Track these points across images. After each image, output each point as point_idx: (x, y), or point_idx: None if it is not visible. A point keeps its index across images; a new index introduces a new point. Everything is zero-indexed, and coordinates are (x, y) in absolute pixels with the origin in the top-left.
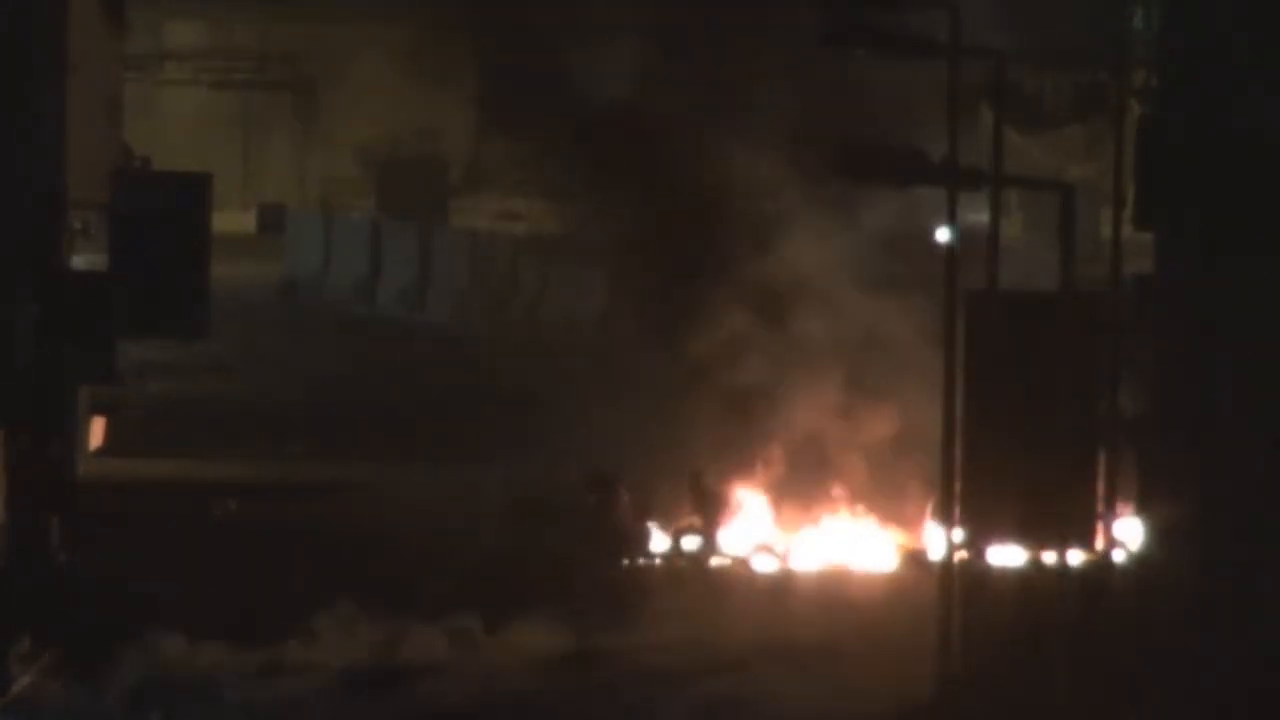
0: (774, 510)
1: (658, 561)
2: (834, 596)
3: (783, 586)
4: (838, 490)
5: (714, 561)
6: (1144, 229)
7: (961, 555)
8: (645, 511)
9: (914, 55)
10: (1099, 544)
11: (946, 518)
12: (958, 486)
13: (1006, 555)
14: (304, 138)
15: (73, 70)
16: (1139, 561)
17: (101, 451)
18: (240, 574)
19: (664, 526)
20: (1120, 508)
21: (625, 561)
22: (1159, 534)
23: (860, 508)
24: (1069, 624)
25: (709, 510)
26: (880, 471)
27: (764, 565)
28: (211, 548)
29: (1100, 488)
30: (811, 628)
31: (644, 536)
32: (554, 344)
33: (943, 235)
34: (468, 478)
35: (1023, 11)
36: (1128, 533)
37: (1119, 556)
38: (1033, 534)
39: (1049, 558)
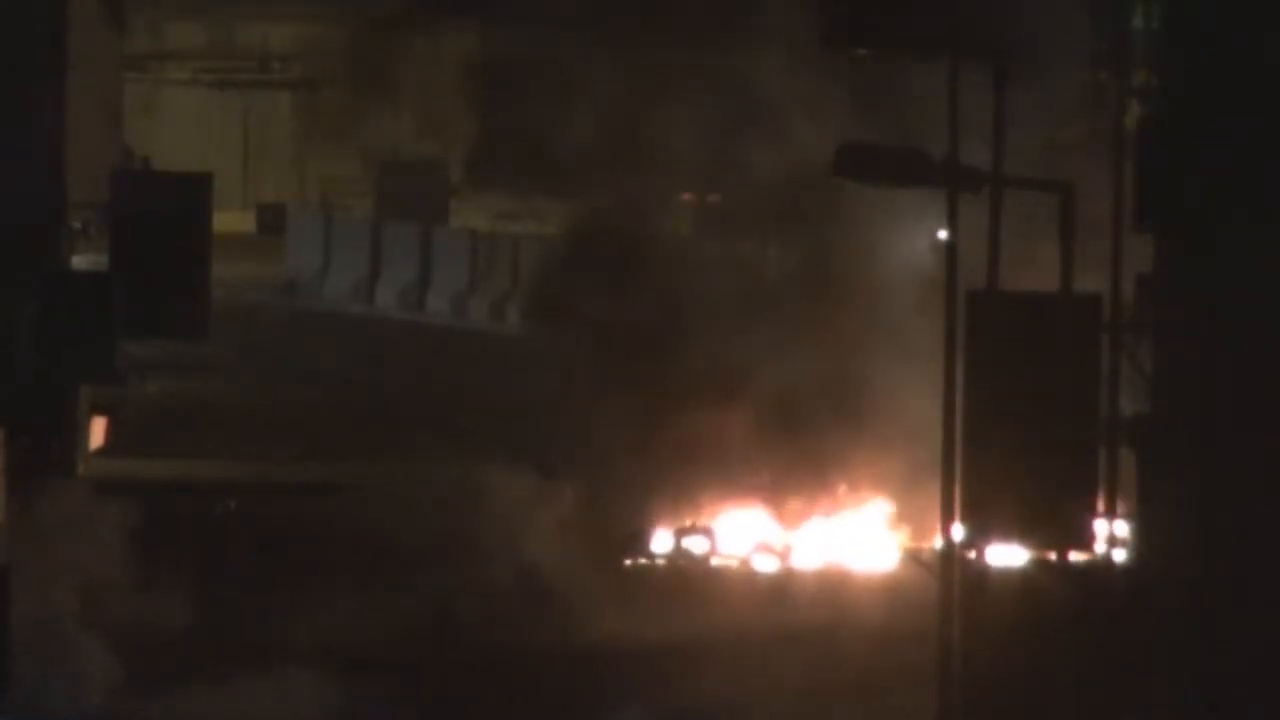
0: (773, 510)
1: (659, 561)
2: (834, 595)
3: (783, 585)
4: (839, 489)
5: (714, 561)
6: (1144, 229)
7: (963, 555)
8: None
9: (914, 55)
10: (1099, 544)
11: (947, 517)
12: (958, 486)
13: (1007, 555)
14: (304, 138)
15: (73, 70)
16: (1139, 561)
17: (101, 451)
18: (239, 572)
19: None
20: (1120, 508)
21: (628, 561)
22: (1159, 534)
23: (861, 507)
24: (1069, 624)
25: None
26: (880, 471)
27: (764, 565)
28: (210, 547)
29: (1100, 488)
30: (812, 627)
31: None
32: (552, 344)
33: (943, 235)
34: (465, 477)
35: (1022, 11)
36: (1128, 533)
37: (1119, 556)
38: (1033, 534)
39: (1049, 557)
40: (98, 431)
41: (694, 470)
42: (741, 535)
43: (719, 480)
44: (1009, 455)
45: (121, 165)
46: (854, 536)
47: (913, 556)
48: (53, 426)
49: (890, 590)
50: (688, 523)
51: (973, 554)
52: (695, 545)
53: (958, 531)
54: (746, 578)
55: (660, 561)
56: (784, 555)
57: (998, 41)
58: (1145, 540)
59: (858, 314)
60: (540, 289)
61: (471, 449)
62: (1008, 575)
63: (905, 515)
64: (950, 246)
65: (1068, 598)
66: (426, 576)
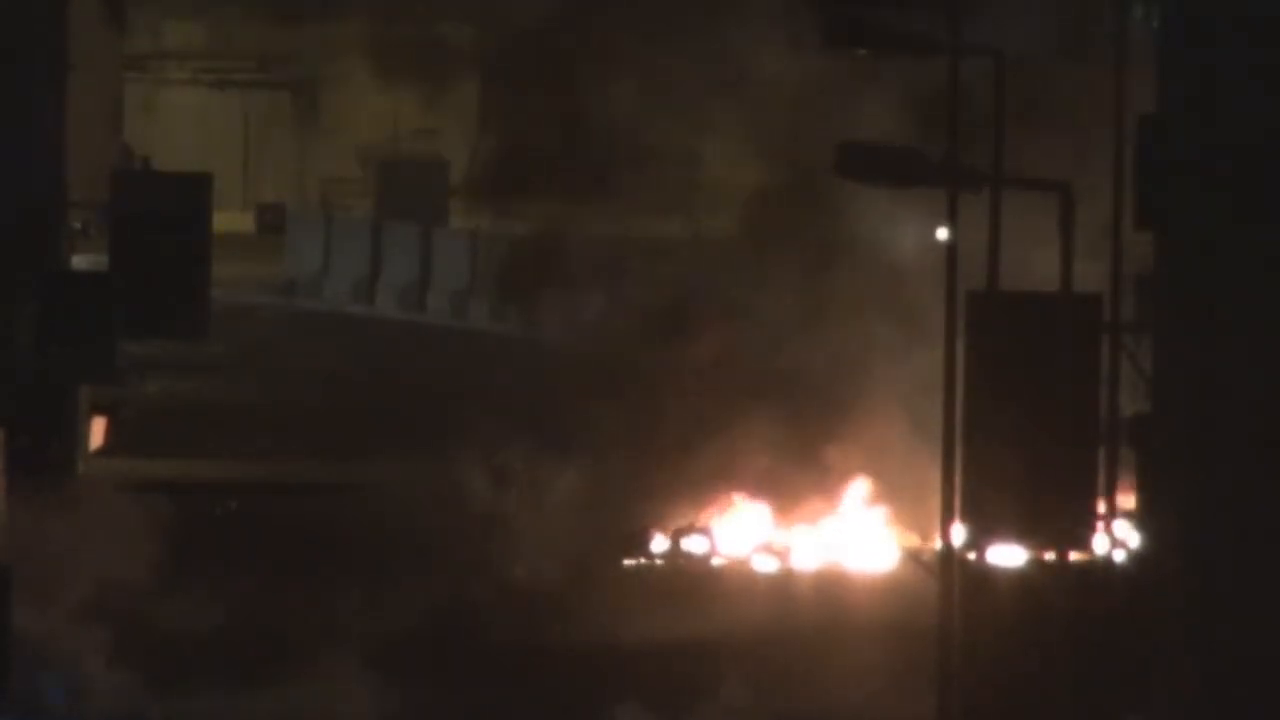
0: (773, 511)
1: (658, 561)
2: (834, 596)
3: (783, 586)
4: (839, 490)
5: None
6: (1144, 229)
7: (963, 555)
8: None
9: (914, 55)
10: (1099, 544)
11: (947, 517)
12: (958, 486)
13: (1007, 555)
14: (304, 138)
15: (73, 70)
16: (1138, 561)
17: (101, 451)
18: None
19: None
20: (1120, 508)
21: (627, 561)
22: (1159, 534)
23: (861, 508)
24: (1069, 624)
25: None
26: (881, 471)
27: (764, 565)
28: (211, 547)
29: (1100, 488)
30: (812, 627)
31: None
32: (552, 344)
33: (942, 235)
34: (464, 476)
35: (1022, 10)
36: (1128, 533)
37: (1119, 556)
38: (1033, 534)
39: (1049, 557)
40: (98, 431)
41: (694, 468)
42: (741, 535)
43: (719, 477)
44: (1009, 455)
45: (121, 165)
46: (854, 536)
47: (913, 557)
48: (53, 426)
49: (890, 590)
50: (687, 523)
51: (973, 554)
52: (695, 545)
53: (958, 532)
54: (746, 578)
55: (660, 561)
56: (784, 555)
57: (998, 41)
58: (1145, 540)
59: (860, 307)
60: (537, 285)
61: (471, 449)
62: (1008, 575)
63: (904, 515)
64: (950, 246)
65: (1068, 598)
66: (427, 576)
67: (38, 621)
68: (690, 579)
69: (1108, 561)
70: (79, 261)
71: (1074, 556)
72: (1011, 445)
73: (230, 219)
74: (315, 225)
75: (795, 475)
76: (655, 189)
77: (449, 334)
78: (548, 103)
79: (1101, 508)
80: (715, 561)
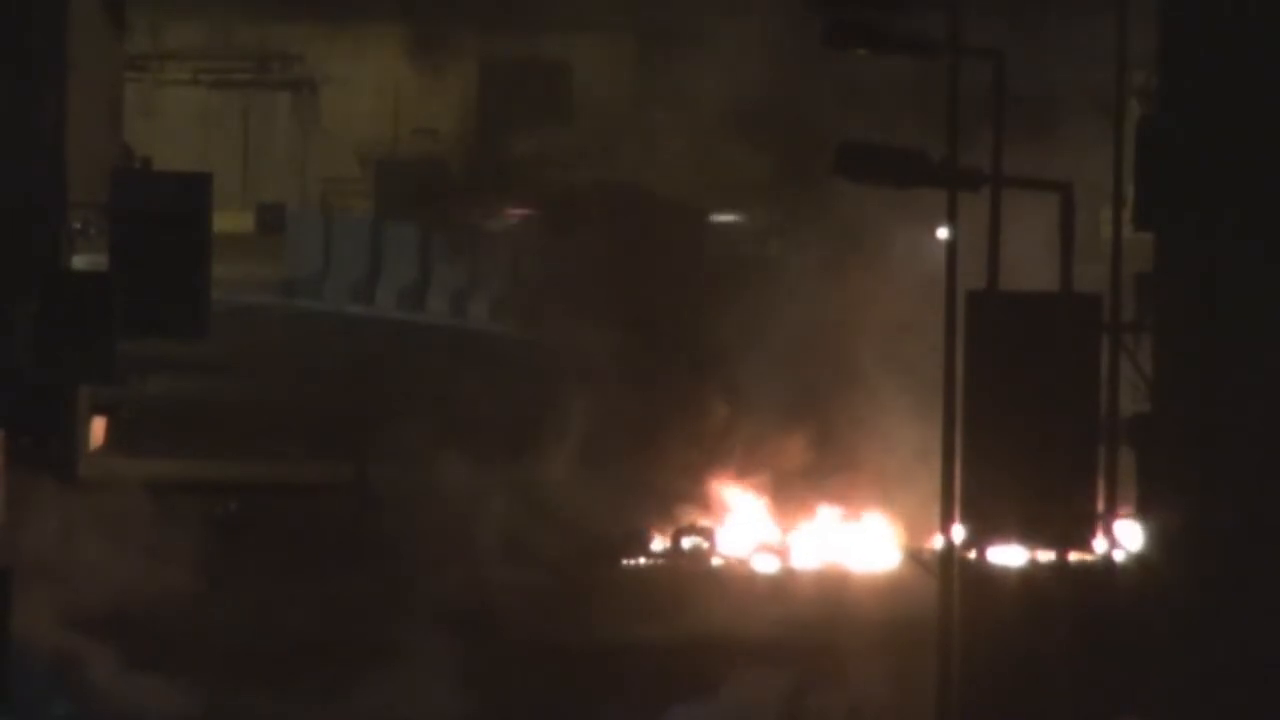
0: (774, 510)
1: (659, 561)
2: (834, 595)
3: (783, 586)
4: (839, 489)
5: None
6: (1144, 229)
7: (963, 554)
8: None
9: (914, 55)
10: (1099, 544)
11: (947, 517)
12: (958, 486)
13: (1007, 555)
14: (304, 138)
15: (73, 70)
16: (1139, 562)
17: (101, 451)
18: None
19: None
20: (1120, 508)
21: (625, 561)
22: (1158, 534)
23: (861, 507)
24: (1069, 624)
25: None
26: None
27: (764, 565)
28: (212, 546)
29: (1100, 488)
30: (812, 628)
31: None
32: (551, 344)
33: (942, 235)
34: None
35: (1022, 10)
36: (1128, 533)
37: (1119, 556)
38: (1033, 534)
39: (1049, 558)
40: (98, 431)
41: (694, 468)
42: (741, 535)
43: (719, 477)
44: (1009, 455)
45: (121, 165)
46: (853, 536)
47: (913, 556)
48: (53, 426)
49: (890, 590)
50: (687, 523)
51: (973, 554)
52: (694, 545)
53: (958, 531)
54: (746, 577)
55: (660, 561)
56: (784, 555)
57: (997, 41)
58: (1144, 539)
59: (859, 310)
60: (538, 288)
61: (472, 449)
62: (1008, 575)
63: (903, 516)
64: (950, 246)
65: (1067, 598)
66: (428, 575)
67: (38, 622)
68: (689, 579)
69: (1108, 561)
70: (79, 261)
71: (1074, 556)
72: (1011, 445)
73: (230, 219)
74: (315, 225)
75: (793, 474)
76: (651, 185)
77: (448, 333)
78: (544, 102)
79: (1101, 508)
80: (715, 561)
